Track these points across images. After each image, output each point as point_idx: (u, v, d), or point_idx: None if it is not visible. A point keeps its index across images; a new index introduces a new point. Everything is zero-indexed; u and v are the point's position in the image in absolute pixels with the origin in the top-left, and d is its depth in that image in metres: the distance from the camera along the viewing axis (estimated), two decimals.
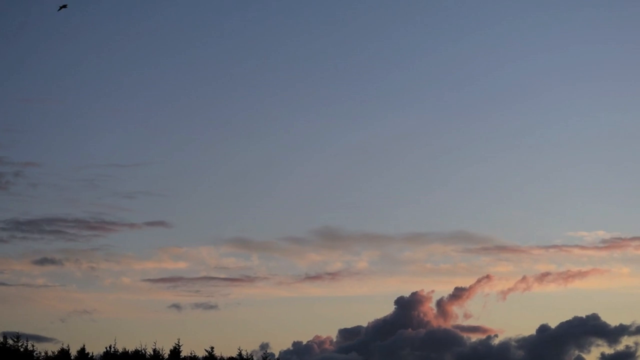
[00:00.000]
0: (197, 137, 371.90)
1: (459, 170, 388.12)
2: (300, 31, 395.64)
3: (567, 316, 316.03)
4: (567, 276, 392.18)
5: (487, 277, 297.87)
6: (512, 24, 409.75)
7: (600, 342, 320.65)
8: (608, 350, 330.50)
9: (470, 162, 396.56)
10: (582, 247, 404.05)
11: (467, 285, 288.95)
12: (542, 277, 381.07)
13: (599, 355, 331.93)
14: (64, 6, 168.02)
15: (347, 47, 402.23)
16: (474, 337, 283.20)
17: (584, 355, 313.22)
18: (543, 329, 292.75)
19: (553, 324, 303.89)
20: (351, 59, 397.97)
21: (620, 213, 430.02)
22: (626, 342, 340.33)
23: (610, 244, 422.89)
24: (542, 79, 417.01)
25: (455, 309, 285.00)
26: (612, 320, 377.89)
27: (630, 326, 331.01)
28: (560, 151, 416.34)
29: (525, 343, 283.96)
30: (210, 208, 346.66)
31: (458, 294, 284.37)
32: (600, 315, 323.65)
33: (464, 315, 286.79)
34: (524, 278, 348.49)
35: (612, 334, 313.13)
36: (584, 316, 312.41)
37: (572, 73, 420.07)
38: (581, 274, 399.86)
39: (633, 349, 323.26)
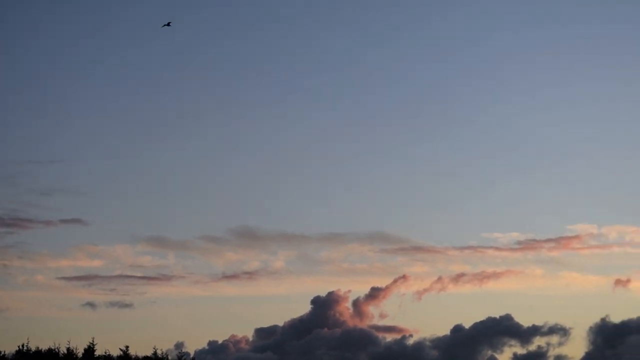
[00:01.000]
0: (114, 134, 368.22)
1: (376, 171, 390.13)
2: (223, 33, 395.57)
3: (481, 316, 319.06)
4: (482, 277, 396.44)
5: (403, 277, 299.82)
6: (425, 28, 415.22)
7: (513, 342, 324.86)
8: (520, 351, 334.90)
9: (387, 163, 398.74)
10: (497, 249, 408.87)
11: (383, 285, 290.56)
12: (458, 277, 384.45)
13: (511, 355, 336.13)
14: (168, 24, 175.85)
15: (267, 50, 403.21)
16: (389, 337, 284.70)
17: (496, 356, 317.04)
18: (457, 329, 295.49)
19: (467, 324, 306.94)
20: (271, 62, 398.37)
21: (534, 215, 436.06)
22: (538, 342, 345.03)
23: (525, 245, 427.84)
24: (457, 80, 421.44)
25: (371, 308, 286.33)
26: (525, 320, 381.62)
27: (542, 327, 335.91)
28: (473, 153, 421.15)
29: (440, 343, 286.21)
30: (127, 206, 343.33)
31: (374, 293, 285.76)
32: (513, 315, 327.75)
33: (379, 315, 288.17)
34: (439, 278, 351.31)
35: (525, 334, 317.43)
36: (497, 316, 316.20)
37: (484, 74, 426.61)
38: (496, 275, 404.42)
39: (545, 349, 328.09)
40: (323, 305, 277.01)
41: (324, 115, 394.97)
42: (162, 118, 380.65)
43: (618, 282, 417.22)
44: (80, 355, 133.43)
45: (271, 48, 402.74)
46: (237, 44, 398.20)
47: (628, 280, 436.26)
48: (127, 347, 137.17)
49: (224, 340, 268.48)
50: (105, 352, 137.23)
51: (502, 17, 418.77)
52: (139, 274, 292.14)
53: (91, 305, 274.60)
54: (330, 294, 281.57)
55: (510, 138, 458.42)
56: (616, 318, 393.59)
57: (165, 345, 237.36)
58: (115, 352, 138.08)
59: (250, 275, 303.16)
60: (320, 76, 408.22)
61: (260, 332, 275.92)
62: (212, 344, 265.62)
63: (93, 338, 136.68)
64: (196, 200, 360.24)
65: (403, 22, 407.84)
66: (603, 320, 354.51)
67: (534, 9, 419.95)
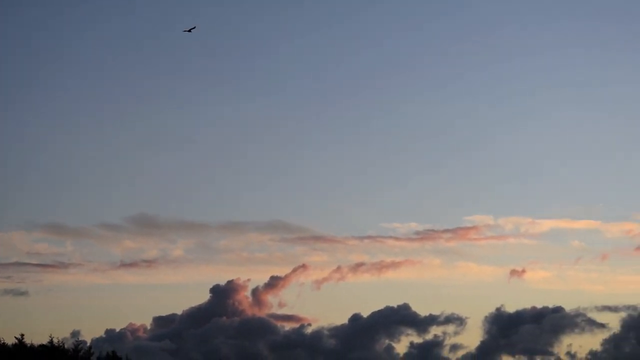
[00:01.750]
0: (11, 121, 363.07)
1: (276, 160, 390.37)
2: (131, 22, 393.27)
3: (379, 306, 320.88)
4: (381, 266, 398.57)
5: (303, 266, 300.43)
6: (343, 24, 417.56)
7: (410, 331, 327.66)
8: (417, 340, 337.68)
9: (287, 153, 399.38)
10: (396, 238, 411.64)
11: (283, 275, 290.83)
12: (357, 267, 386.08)
13: (408, 344, 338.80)
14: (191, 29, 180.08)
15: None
16: (288, 326, 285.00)
17: (394, 345, 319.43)
18: (355, 318, 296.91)
19: (365, 313, 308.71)
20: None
21: (433, 205, 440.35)
22: (435, 331, 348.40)
23: (423, 235, 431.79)
24: (361, 75, 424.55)
25: (271, 297, 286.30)
26: (422, 310, 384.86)
27: (439, 316, 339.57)
28: (373, 145, 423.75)
29: (337, 332, 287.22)
30: (23, 192, 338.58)
31: (274, 282, 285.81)
32: (411, 305, 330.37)
33: (278, 304, 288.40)
34: (338, 268, 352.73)
35: (422, 323, 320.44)
36: (395, 306, 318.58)
37: (388, 70, 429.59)
38: (394, 265, 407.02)
39: (441, 338, 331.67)
40: (222, 294, 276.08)
41: (224, 106, 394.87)
42: (61, 106, 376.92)
43: (513, 272, 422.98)
44: None
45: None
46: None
47: (523, 271, 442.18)
48: (22, 335, 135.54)
49: (121, 329, 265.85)
50: (0, 341, 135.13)
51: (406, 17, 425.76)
52: (35, 262, 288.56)
53: None
54: (229, 282, 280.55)
55: (409, 132, 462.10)
56: (511, 308, 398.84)
57: (61, 334, 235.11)
58: (11, 341, 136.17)
59: (149, 263, 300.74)
60: (224, 68, 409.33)
61: (159, 321, 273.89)
62: (110, 332, 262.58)
63: None
64: (94, 187, 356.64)
65: (324, 19, 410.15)
66: (498, 310, 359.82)
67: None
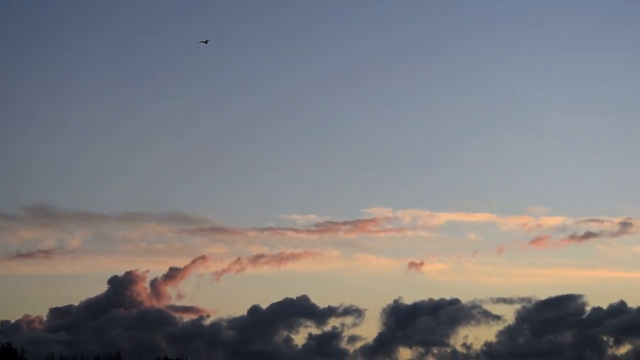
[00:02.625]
0: None
1: (176, 152, 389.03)
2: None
3: (278, 297, 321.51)
4: (281, 258, 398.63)
5: (202, 257, 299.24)
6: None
7: (309, 323, 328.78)
8: (316, 331, 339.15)
9: (187, 145, 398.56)
10: (296, 230, 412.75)
11: (182, 266, 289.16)
12: (256, 258, 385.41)
13: (306, 335, 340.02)
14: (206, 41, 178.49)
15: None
16: (187, 317, 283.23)
17: (292, 336, 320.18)
18: (254, 310, 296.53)
19: (264, 305, 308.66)
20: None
21: (332, 197, 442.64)
22: (333, 323, 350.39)
23: (323, 227, 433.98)
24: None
25: (169, 289, 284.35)
26: (321, 301, 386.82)
27: (338, 308, 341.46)
28: (270, 134, 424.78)
29: (236, 323, 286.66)
30: None
31: (172, 274, 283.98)
32: (310, 296, 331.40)
33: (177, 295, 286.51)
34: (238, 259, 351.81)
35: (321, 315, 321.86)
36: (294, 297, 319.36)
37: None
38: (294, 257, 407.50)
39: (339, 329, 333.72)
40: (120, 285, 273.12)
41: (124, 94, 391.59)
42: None
43: (412, 265, 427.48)
44: None
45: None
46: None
47: (421, 263, 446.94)
48: None
49: (16, 320, 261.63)
50: None
51: None
52: None
53: None
54: (127, 273, 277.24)
55: (308, 125, 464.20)
56: (408, 300, 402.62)
57: None
58: None
59: (46, 254, 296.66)
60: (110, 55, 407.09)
61: (55, 312, 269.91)
62: (4, 324, 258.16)
63: None
64: None
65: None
66: (396, 301, 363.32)
67: None
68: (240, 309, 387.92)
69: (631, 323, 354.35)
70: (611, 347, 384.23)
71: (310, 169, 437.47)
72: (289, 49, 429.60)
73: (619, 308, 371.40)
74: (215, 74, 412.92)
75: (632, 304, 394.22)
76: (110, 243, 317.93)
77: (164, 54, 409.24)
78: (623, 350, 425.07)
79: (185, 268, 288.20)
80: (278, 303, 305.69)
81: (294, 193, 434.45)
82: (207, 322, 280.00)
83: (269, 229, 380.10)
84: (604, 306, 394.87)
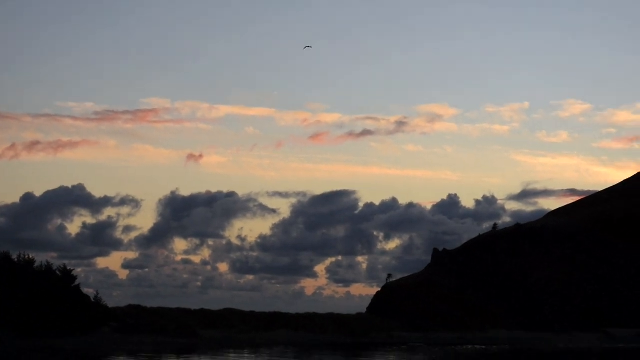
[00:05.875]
0: None
1: None
2: None
3: (53, 185, 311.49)
4: (57, 146, 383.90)
5: None
6: None
7: (83, 212, 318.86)
8: (90, 220, 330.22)
9: None
10: (74, 118, 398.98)
11: None
12: (32, 145, 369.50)
13: (81, 224, 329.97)
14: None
15: None
16: None
17: (66, 224, 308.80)
18: (27, 197, 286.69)
19: (39, 193, 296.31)
20: None
21: (110, 86, 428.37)
22: (109, 212, 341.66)
23: (101, 116, 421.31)
24: None
25: None
26: (97, 191, 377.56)
27: (114, 198, 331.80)
28: (53, 22, 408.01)
29: (8, 211, 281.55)
30: None
31: None
32: (86, 185, 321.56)
33: None
34: (12, 145, 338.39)
35: (96, 204, 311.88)
36: (70, 186, 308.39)
37: None
38: (71, 145, 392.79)
39: (115, 219, 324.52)
40: None
41: None
42: None
43: (190, 157, 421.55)
44: None
45: None
46: None
47: (200, 156, 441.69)
48: None
49: None
50: None
51: None
52: None
53: None
54: None
55: (86, 5, 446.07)
56: (186, 191, 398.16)
57: None
58: None
59: None
60: None
61: None
62: None
63: None
64: None
65: None
66: (173, 193, 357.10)
67: None
68: (12, 196, 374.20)
69: (401, 219, 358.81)
70: (381, 241, 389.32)
71: (88, 55, 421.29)
72: None
73: (390, 204, 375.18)
74: None
75: (402, 200, 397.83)
76: None
77: None
78: (392, 245, 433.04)
79: None
80: (53, 191, 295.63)
81: (70, 79, 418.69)
82: None
83: (45, 115, 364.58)
84: (376, 202, 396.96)
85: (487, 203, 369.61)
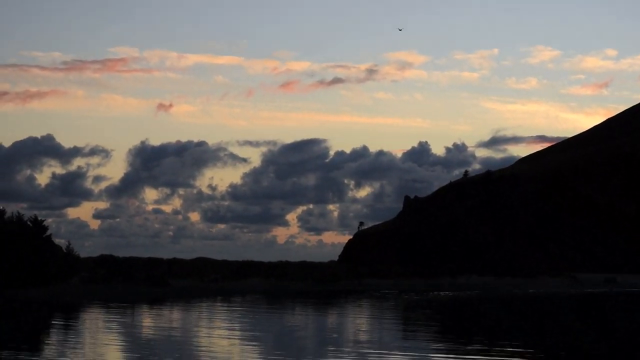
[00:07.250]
0: None
1: None
2: None
3: (22, 136, 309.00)
4: (25, 96, 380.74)
5: None
6: None
7: (53, 162, 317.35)
8: (60, 171, 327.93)
9: None
10: (41, 68, 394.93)
11: None
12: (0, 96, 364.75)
13: (50, 175, 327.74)
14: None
15: None
16: None
17: (35, 175, 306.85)
18: None
19: (7, 144, 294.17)
20: None
21: (77, 35, 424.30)
22: (78, 163, 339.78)
23: (70, 66, 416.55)
24: None
25: None
26: (66, 141, 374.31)
27: (83, 148, 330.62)
28: None
29: None
30: None
31: None
32: (55, 136, 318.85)
33: None
34: None
35: (66, 155, 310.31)
36: (39, 137, 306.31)
37: None
38: (39, 95, 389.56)
39: (84, 169, 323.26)
40: None
41: None
42: None
43: (160, 106, 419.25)
44: None
45: None
46: None
47: (170, 105, 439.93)
48: None
49: None
50: None
51: None
52: None
53: None
54: None
55: None
56: (156, 141, 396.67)
57: None
58: None
59: None
60: None
61: None
62: None
63: None
64: None
65: None
66: (143, 143, 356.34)
67: None
68: None
69: (371, 166, 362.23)
70: (352, 189, 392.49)
71: (54, 4, 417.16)
72: None
73: (361, 152, 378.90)
74: None
75: (373, 148, 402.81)
76: None
77: None
78: (363, 192, 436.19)
79: None
80: (21, 142, 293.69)
81: (37, 29, 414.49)
82: None
83: (11, 65, 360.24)
84: (347, 150, 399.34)
85: (457, 150, 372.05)
